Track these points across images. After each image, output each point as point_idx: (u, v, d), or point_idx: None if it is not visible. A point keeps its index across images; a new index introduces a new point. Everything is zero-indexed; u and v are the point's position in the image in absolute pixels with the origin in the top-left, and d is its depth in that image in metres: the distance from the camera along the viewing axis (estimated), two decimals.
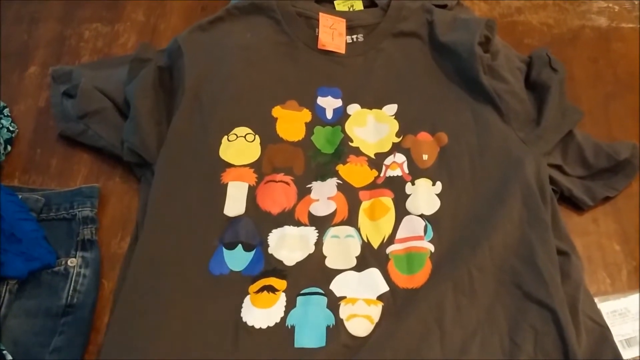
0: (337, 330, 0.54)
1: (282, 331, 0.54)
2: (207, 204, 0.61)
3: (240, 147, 0.64)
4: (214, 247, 0.59)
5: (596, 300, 0.58)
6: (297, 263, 0.58)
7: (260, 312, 0.55)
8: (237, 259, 0.58)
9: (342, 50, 0.69)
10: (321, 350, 0.53)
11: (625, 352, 0.56)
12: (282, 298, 0.56)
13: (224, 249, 0.59)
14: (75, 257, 0.61)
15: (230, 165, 0.63)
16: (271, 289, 0.56)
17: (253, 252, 0.59)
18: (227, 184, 0.62)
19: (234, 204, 0.61)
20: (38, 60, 0.77)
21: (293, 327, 0.54)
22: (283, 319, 0.55)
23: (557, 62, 0.67)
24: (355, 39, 0.70)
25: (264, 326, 0.54)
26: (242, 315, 0.55)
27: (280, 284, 0.57)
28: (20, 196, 0.63)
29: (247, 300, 0.56)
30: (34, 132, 0.72)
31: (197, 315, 0.55)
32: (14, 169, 0.69)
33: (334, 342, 0.53)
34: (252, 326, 0.54)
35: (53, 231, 0.62)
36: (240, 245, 0.59)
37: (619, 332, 0.57)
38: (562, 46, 0.76)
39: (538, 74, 0.66)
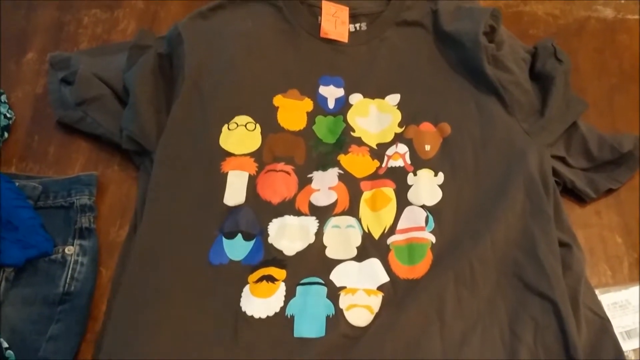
0: (336, 320, 0.54)
1: (282, 321, 0.54)
2: (207, 193, 0.60)
3: (240, 136, 0.63)
4: (214, 237, 0.58)
5: (597, 292, 0.58)
6: (297, 253, 0.57)
7: (260, 302, 0.55)
8: (236, 249, 0.58)
9: (344, 39, 0.69)
10: (320, 340, 0.53)
11: (625, 344, 0.56)
12: (281, 288, 0.56)
13: (224, 239, 0.58)
14: (72, 245, 0.61)
15: (230, 154, 0.62)
16: (270, 278, 0.56)
17: (253, 241, 0.58)
18: (227, 173, 0.61)
19: (234, 193, 0.60)
20: (36, 46, 0.76)
21: (292, 316, 0.54)
22: (282, 309, 0.54)
23: (562, 53, 0.66)
24: (358, 28, 0.69)
25: (264, 316, 0.54)
26: (241, 305, 0.55)
27: (279, 273, 0.56)
28: (17, 183, 0.63)
29: (246, 289, 0.56)
30: (31, 119, 0.71)
31: (196, 305, 0.55)
32: (11, 156, 0.68)
33: (333, 331, 0.53)
34: (252, 316, 0.54)
35: (50, 219, 0.62)
36: (240, 235, 0.58)
37: (620, 324, 0.58)
38: (567, 37, 0.75)
39: (543, 64, 0.66)
